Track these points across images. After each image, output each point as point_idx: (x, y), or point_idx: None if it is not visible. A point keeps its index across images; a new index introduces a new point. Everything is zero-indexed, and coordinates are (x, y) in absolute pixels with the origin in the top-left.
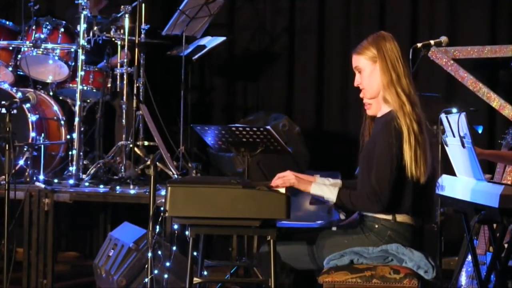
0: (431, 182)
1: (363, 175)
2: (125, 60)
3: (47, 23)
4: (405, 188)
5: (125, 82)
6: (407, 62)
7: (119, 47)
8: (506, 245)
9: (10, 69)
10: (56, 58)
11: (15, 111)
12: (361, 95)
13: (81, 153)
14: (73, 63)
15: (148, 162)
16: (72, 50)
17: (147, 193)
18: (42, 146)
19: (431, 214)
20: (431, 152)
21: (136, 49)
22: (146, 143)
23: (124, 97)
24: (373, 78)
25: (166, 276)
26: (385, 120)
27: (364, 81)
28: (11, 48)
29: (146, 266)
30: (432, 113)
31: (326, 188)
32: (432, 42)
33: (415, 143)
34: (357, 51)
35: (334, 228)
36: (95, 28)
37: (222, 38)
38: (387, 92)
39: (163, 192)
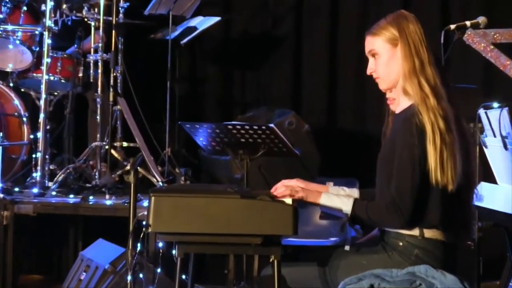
0: (466, 191)
1: (381, 183)
2: (100, 45)
3: (7, 0)
4: (432, 197)
5: (99, 71)
6: (431, 47)
7: (92, 29)
8: None
9: None
10: (18, 42)
11: None
12: (380, 86)
13: (47, 156)
14: (37, 49)
15: (128, 167)
16: (37, 32)
17: (126, 204)
18: (1, 147)
19: (466, 229)
20: (461, 155)
21: (113, 32)
22: (125, 144)
23: (99, 89)
24: (392, 65)
25: None
26: (404, 116)
27: (380, 68)
28: None
29: None
30: (468, 108)
31: (337, 199)
32: (468, 23)
33: (440, 143)
34: (373, 32)
35: (347, 247)
36: (64, 6)
37: (216, 19)
38: (408, 82)
39: (145, 203)
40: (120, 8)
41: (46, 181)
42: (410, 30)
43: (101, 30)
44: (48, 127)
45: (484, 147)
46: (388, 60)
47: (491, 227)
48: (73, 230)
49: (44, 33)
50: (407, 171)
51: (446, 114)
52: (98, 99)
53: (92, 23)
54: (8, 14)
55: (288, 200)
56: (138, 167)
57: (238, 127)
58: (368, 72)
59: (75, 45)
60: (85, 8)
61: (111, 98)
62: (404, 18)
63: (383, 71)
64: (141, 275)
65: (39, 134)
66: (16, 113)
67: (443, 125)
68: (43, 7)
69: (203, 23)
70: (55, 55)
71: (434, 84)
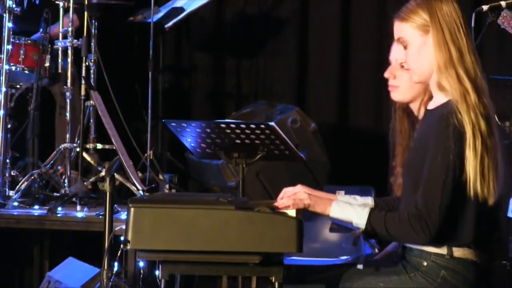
0: (501, 203)
1: (407, 191)
2: (70, 29)
3: None
4: (467, 211)
5: (69, 60)
6: (470, 32)
7: (61, 10)
8: None
9: None
10: None
11: None
12: (386, 74)
13: (7, 160)
14: None
15: (103, 173)
16: None
17: (100, 216)
18: None
19: (501, 247)
20: (503, 161)
21: (86, 14)
22: (99, 146)
23: (69, 81)
24: (424, 55)
25: None
26: (440, 114)
27: (410, 58)
28: None
29: None
30: (503, 104)
31: (351, 209)
32: (503, 3)
33: (482, 148)
34: (401, 17)
35: (360, 266)
36: None
37: None
38: (444, 75)
39: (123, 216)
40: None
41: (7, 190)
42: (444, 13)
43: (71, 12)
44: (9, 125)
45: None
46: (419, 49)
47: None
48: (39, 247)
49: (4, 15)
50: (439, 179)
51: (488, 113)
52: (67, 93)
53: (61, 4)
54: None
55: (292, 212)
56: (115, 173)
57: (232, 125)
58: (398, 62)
59: (41, 30)
60: None
61: (82, 92)
62: None
63: (413, 62)
64: None
65: None
66: None
67: (485, 127)
68: None
69: (191, 3)
70: (18, 41)
71: (474, 76)
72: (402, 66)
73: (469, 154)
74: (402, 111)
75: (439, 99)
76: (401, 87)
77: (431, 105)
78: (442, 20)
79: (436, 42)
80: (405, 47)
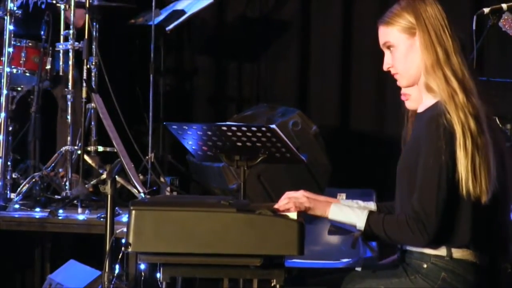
0: (501, 205)
1: (402, 195)
2: (71, 32)
3: None
4: (462, 211)
5: (71, 62)
6: (457, 32)
7: (62, 12)
8: None
9: None
10: None
11: None
12: (398, 83)
13: (8, 163)
14: None
15: (104, 176)
16: None
17: (102, 219)
18: None
19: (503, 249)
20: (496, 161)
21: (87, 16)
22: (100, 148)
23: (70, 83)
24: (411, 57)
25: None
26: (429, 115)
27: (397, 62)
28: None
29: None
30: (505, 106)
31: (350, 211)
32: (504, 6)
33: (472, 147)
34: (386, 21)
35: (358, 269)
36: None
37: (208, 1)
38: (432, 76)
39: (124, 218)
40: None
41: (8, 192)
42: (429, 14)
43: (72, 14)
44: (10, 128)
45: None
46: (407, 52)
47: None
48: (40, 249)
49: (6, 17)
50: (433, 180)
51: (477, 112)
52: (68, 96)
53: (62, 6)
54: None
55: (293, 215)
56: (116, 176)
57: (234, 128)
58: (385, 67)
59: (42, 32)
60: None
61: (84, 95)
62: (421, 1)
63: (401, 66)
64: None
65: (0, 137)
66: None
67: (474, 126)
68: None
69: (192, 6)
70: (19, 44)
71: (461, 77)
72: (389, 71)
73: (460, 154)
74: (412, 123)
75: (428, 101)
76: (412, 95)
77: (421, 108)
78: (427, 21)
79: (423, 44)
80: (391, 51)
